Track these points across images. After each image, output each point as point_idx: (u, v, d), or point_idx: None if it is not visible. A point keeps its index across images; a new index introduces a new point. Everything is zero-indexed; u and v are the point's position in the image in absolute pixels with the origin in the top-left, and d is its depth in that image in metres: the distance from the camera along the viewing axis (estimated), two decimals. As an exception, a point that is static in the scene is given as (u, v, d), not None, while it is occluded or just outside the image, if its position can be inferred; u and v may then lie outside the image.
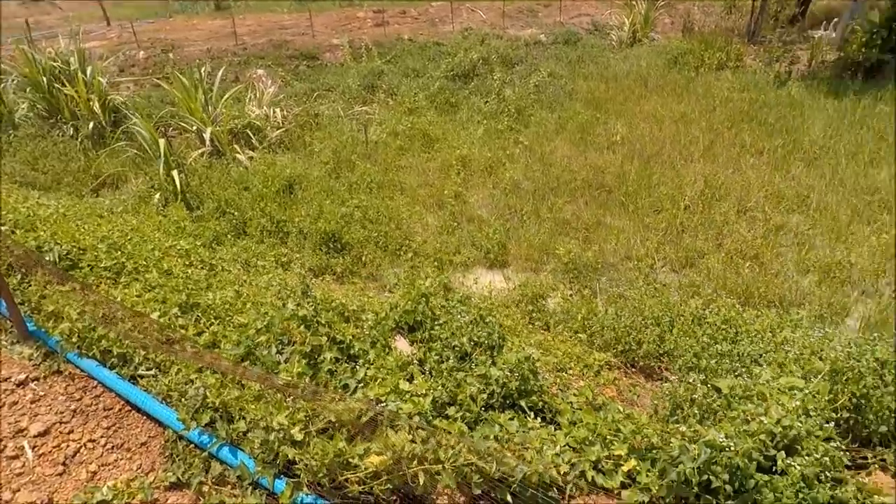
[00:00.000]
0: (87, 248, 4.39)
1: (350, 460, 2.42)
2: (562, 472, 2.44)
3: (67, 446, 2.79)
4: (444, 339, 3.35)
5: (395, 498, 2.40)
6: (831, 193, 7.29)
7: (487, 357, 3.25)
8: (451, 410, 2.76)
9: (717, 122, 9.21)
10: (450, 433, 2.58)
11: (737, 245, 6.38)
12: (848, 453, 2.61)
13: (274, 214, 7.12)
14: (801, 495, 2.26)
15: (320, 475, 2.37)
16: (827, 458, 2.37)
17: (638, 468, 2.59)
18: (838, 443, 2.53)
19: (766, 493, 2.30)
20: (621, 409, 3.09)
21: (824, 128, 8.78)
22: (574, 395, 3.26)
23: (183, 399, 2.91)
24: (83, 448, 2.80)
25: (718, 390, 2.79)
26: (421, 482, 2.30)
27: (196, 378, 3.02)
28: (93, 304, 3.58)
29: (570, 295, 5.77)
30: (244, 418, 2.73)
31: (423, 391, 2.85)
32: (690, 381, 2.97)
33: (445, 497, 2.40)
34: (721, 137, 8.79)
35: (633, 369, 4.49)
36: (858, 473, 2.85)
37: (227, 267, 5.61)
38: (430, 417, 2.65)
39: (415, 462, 2.36)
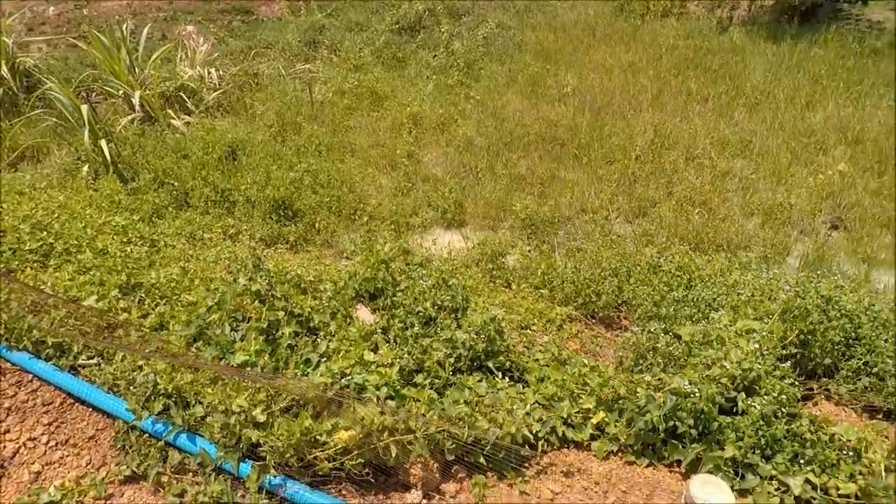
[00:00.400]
0: (7, 229, 4.00)
1: (318, 438, 2.34)
2: (534, 431, 2.45)
3: (4, 447, 2.58)
4: (407, 305, 3.27)
5: (367, 472, 2.35)
6: (771, 137, 7.50)
7: (452, 320, 3.20)
8: (419, 378, 2.70)
9: (664, 71, 9.25)
10: (419, 401, 2.54)
11: (686, 192, 6.52)
12: (799, 388, 2.75)
13: (218, 183, 6.71)
14: (760, 433, 2.35)
15: (287, 455, 2.28)
16: (783, 396, 2.47)
17: (606, 420, 2.64)
18: (792, 379, 2.64)
19: (728, 433, 2.39)
20: (586, 363, 3.13)
21: (764, 73, 8.97)
22: (540, 351, 3.27)
23: (132, 388, 2.72)
24: (22, 448, 2.59)
25: (679, 337, 2.85)
26: (393, 454, 2.26)
27: (144, 364, 2.83)
28: (18, 291, 3.28)
29: (529, 251, 5.78)
30: (201, 403, 2.59)
31: (389, 360, 2.77)
32: (652, 330, 3.02)
33: (419, 466, 2.37)
34: (668, 86, 8.85)
35: (594, 321, 4.57)
36: (805, 405, 3.02)
37: (170, 242, 5.28)
38: (398, 387, 2.59)
39: (385, 434, 2.31)
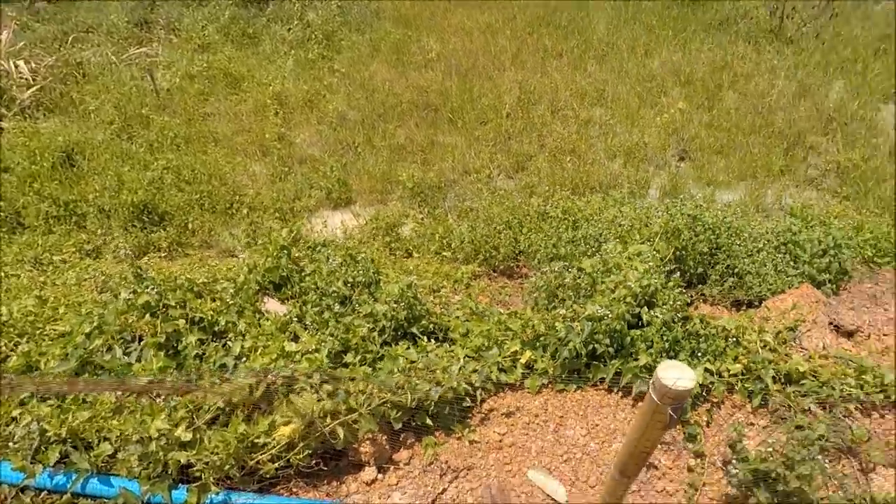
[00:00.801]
0: None
1: (256, 441, 2.20)
2: (471, 382, 2.52)
3: None
4: (319, 289, 3.14)
5: (315, 462, 2.27)
6: (621, 85, 8.21)
7: (367, 296, 3.14)
8: (348, 357, 2.63)
9: (520, 30, 9.64)
10: (354, 380, 2.48)
11: (556, 143, 6.94)
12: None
13: (57, 195, 5.81)
14: (664, 338, 2.65)
15: (227, 467, 2.12)
16: (677, 303, 2.80)
17: (533, 357, 2.80)
18: (681, 289, 3.00)
19: (639, 344, 2.66)
20: (503, 311, 3.27)
21: (607, 26, 9.72)
22: (457, 309, 3.35)
23: (11, 443, 2.33)
24: None
25: (582, 270, 3.08)
26: (341, 436, 2.20)
27: (21, 413, 2.43)
28: None
29: (422, 219, 5.82)
30: (107, 439, 2.29)
31: (314, 346, 2.66)
32: (556, 269, 3.23)
33: (368, 442, 2.33)
34: (525, 44, 9.25)
35: (497, 274, 4.76)
36: (689, 309, 3.45)
37: (11, 272, 4.52)
38: (330, 370, 2.50)
39: (329, 419, 2.23)
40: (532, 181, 6.23)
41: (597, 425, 2.58)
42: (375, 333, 2.83)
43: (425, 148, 7.07)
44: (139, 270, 3.12)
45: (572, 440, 2.53)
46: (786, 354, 2.86)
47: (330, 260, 3.30)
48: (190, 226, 5.75)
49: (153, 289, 2.92)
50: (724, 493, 2.37)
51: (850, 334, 3.27)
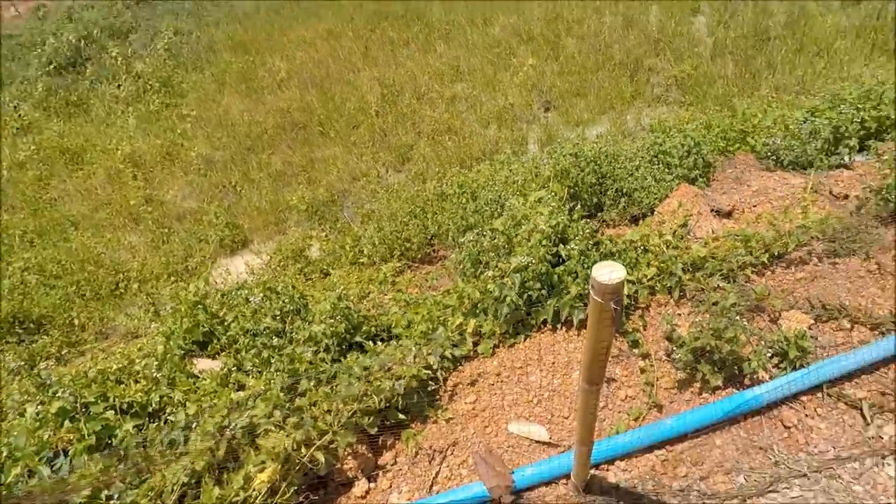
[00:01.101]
0: None
1: (235, 500, 2.08)
2: (430, 365, 2.56)
3: None
4: (249, 331, 3.00)
5: (304, 496, 2.19)
6: (472, 57, 8.53)
7: (301, 321, 3.06)
8: (303, 385, 2.55)
9: (361, 28, 9.65)
10: (315, 405, 2.42)
11: (431, 126, 7.10)
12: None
13: None
14: (585, 266, 2.85)
15: (212, 538, 1.99)
16: (586, 233, 3.02)
17: (478, 324, 2.89)
18: (585, 220, 3.23)
19: (565, 277, 2.84)
20: (435, 294, 3.33)
21: (442, 5, 9.99)
22: (393, 305, 3.36)
23: None
24: None
25: (495, 230, 3.21)
26: (322, 461, 2.15)
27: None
28: None
29: (326, 235, 5.71)
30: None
31: (263, 387, 2.56)
32: (472, 237, 3.33)
33: (350, 458, 2.30)
34: (371, 41, 9.29)
35: (416, 264, 4.81)
36: (596, 235, 3.72)
37: None
38: (287, 403, 2.42)
39: (303, 449, 2.17)
40: (420, 168, 6.33)
41: (553, 363, 2.73)
42: (322, 354, 2.78)
43: (306, 167, 6.93)
44: (40, 378, 2.79)
45: (537, 384, 2.66)
46: (686, 247, 3.19)
47: (251, 300, 3.16)
48: (76, 321, 5.21)
49: (65, 391, 2.63)
50: (675, 379, 2.62)
51: (728, 214, 3.72)
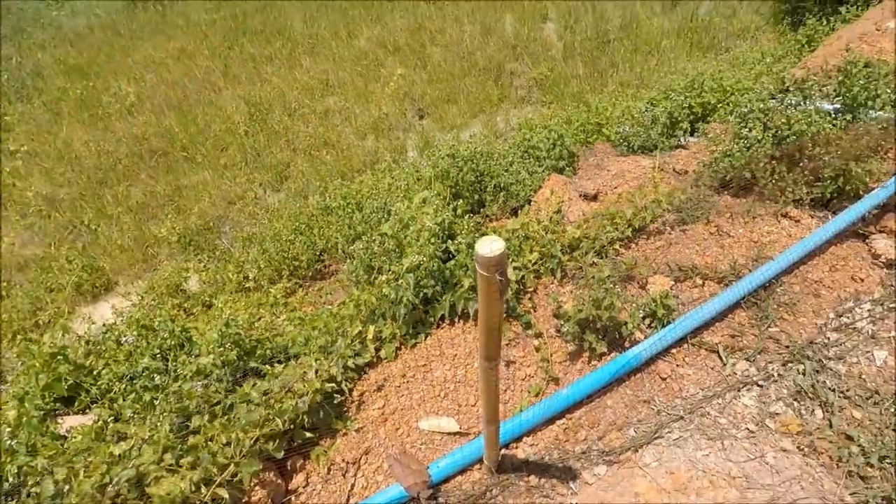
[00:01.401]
0: None
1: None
2: (334, 377, 2.50)
3: None
4: (125, 376, 2.71)
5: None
6: (340, 71, 8.50)
7: (186, 356, 2.82)
8: (195, 421, 2.36)
9: (218, 46, 9.18)
10: (212, 441, 2.25)
11: (307, 142, 6.95)
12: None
13: None
14: (473, 258, 2.95)
15: None
16: (472, 226, 3.14)
17: (378, 329, 2.88)
18: (469, 215, 3.36)
19: (457, 272, 2.93)
20: (331, 307, 3.26)
21: (303, 20, 9.84)
22: (287, 325, 3.23)
23: None
24: None
25: (384, 235, 3.22)
26: (226, 497, 1.99)
27: None
28: None
29: (205, 265, 5.34)
30: None
31: (147, 434, 2.32)
32: (362, 246, 3.32)
33: (258, 486, 2.16)
34: (230, 59, 8.87)
35: (308, 281, 4.67)
36: (480, 230, 3.88)
37: None
38: (179, 444, 2.22)
39: (204, 489, 2.00)
40: (300, 185, 6.16)
41: (455, 356, 2.80)
42: (215, 385, 2.58)
43: (172, 195, 6.43)
44: None
45: (441, 379, 2.70)
46: (562, 231, 3.44)
47: (123, 341, 2.86)
48: None
49: None
50: (567, 352, 2.81)
51: (594, 197, 4.07)
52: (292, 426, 2.32)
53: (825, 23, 6.96)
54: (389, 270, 2.95)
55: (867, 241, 3.25)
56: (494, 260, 1.27)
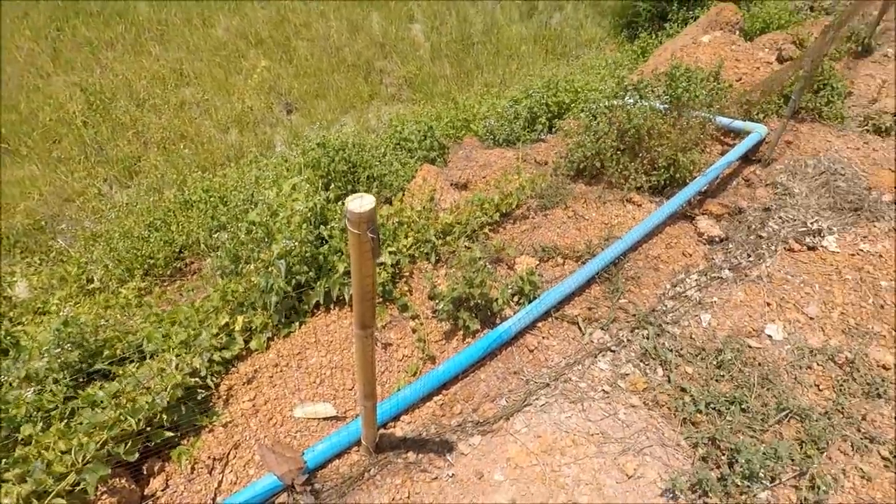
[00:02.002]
0: None
1: None
2: (198, 370, 2.31)
3: None
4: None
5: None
6: (196, 61, 7.88)
7: (12, 362, 2.42)
8: (25, 430, 2.03)
9: (43, 27, 8.01)
10: (47, 449, 1.95)
11: (160, 134, 6.34)
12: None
13: None
14: (347, 242, 2.92)
15: None
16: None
17: (247, 319, 2.72)
18: (342, 203, 3.30)
19: (331, 257, 2.87)
20: (194, 302, 3.01)
21: (150, 3, 8.95)
22: (142, 323, 2.91)
23: None
24: None
25: (252, 223, 3.05)
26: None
27: None
28: None
29: (35, 268, 4.63)
30: None
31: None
32: (227, 235, 3.11)
33: (106, 494, 1.92)
34: (61, 42, 7.80)
35: (167, 280, 4.26)
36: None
37: None
38: (4, 458, 1.90)
39: (36, 502, 1.73)
40: (153, 180, 5.60)
41: (331, 342, 2.74)
42: (53, 388, 2.25)
43: (-10, 192, 5.48)
44: None
45: (317, 365, 2.63)
46: (436, 217, 3.54)
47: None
48: None
49: None
50: (442, 331, 2.89)
51: (464, 186, 4.24)
52: (149, 426, 2.10)
53: (654, 37, 7.98)
54: (259, 259, 2.80)
55: (693, 221, 3.78)
56: (365, 216, 1.27)
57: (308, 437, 2.33)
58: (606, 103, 4.19)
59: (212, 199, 4.43)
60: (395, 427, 2.43)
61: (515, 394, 2.65)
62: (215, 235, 3.46)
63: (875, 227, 3.63)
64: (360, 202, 1.27)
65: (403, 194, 4.18)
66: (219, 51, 8.04)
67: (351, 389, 2.55)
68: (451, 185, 4.17)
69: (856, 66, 5.98)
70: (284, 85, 7.51)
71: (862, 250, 3.47)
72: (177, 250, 4.32)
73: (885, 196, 3.92)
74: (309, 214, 2.88)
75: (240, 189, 4.27)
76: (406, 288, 3.08)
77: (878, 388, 2.67)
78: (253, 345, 2.67)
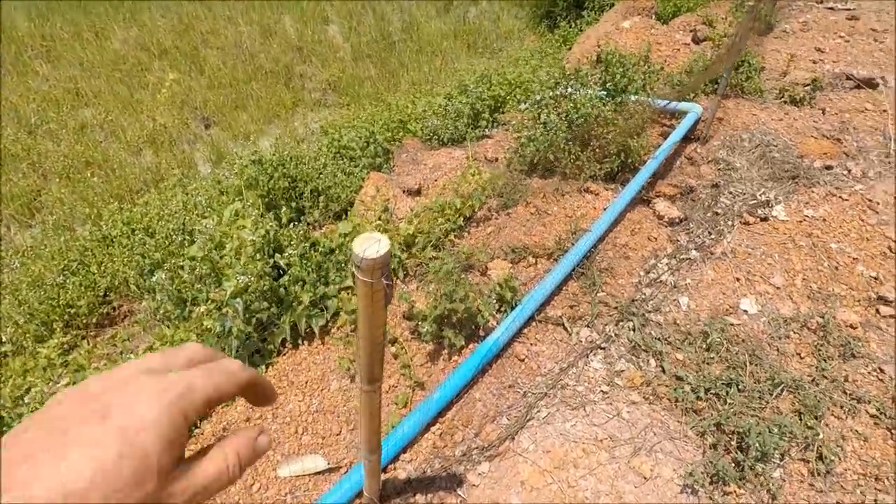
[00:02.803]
0: None
1: None
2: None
3: None
4: None
5: None
6: (93, 78, 7.10)
7: None
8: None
9: None
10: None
11: (61, 163, 5.63)
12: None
13: None
14: (308, 270, 2.64)
15: None
16: (300, 235, 2.80)
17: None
18: (293, 223, 3.01)
19: (292, 288, 2.57)
20: (136, 357, 2.60)
21: (29, 17, 7.97)
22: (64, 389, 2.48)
23: None
24: None
25: (194, 259, 2.69)
26: None
27: None
28: None
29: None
30: None
31: None
32: (165, 276, 2.72)
33: None
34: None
35: (94, 330, 3.74)
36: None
37: None
38: None
39: None
40: (60, 216, 4.95)
41: (306, 382, 2.46)
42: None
43: None
44: None
45: (295, 412, 2.34)
46: (395, 228, 3.31)
47: None
48: None
49: None
50: (427, 353, 2.68)
51: (417, 192, 4.03)
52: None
53: (573, 25, 8.11)
54: (209, 300, 2.46)
55: (650, 205, 3.80)
56: (380, 261, 1.04)
57: (300, 497, 2.05)
58: (551, 94, 4.12)
59: (135, 232, 3.94)
60: (395, 469, 2.20)
61: (515, 409, 2.50)
62: (150, 276, 3.03)
63: (814, 192, 3.81)
64: (374, 246, 1.03)
65: (353, 207, 3.91)
66: (118, 65, 7.29)
67: (339, 434, 2.28)
68: (404, 191, 3.95)
69: (762, 42, 6.33)
70: (198, 98, 6.92)
71: (808, 216, 3.61)
72: (101, 294, 3.80)
73: (816, 162, 4.13)
74: (261, 243, 2.56)
75: (168, 218, 3.82)
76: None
77: (851, 349, 2.76)
78: (217, 399, 2.33)
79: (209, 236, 2.74)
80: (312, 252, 2.78)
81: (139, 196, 4.97)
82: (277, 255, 2.66)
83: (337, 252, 2.89)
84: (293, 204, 3.82)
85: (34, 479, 0.34)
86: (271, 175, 3.73)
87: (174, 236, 3.46)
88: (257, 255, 2.51)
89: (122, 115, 6.44)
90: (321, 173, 4.14)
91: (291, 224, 3.01)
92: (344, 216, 3.95)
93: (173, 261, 2.97)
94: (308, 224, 3.86)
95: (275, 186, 3.72)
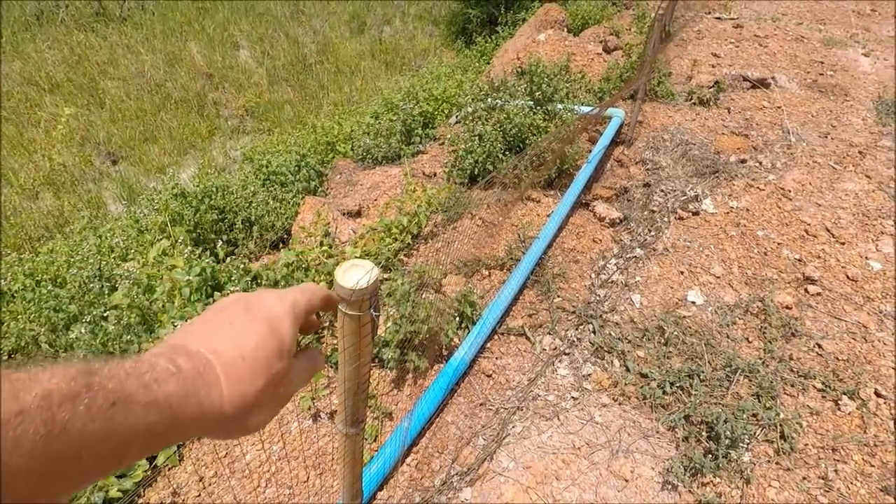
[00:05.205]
0: None
1: None
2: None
3: None
4: None
5: None
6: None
7: None
8: None
9: None
10: None
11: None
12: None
13: None
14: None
15: None
16: (239, 270, 2.58)
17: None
18: (232, 255, 2.77)
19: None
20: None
21: None
22: None
23: None
24: None
25: (118, 307, 2.39)
26: None
27: None
28: None
29: None
30: None
31: None
32: (85, 330, 2.40)
33: None
34: None
35: None
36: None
37: None
38: None
39: None
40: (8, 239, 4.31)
41: (267, 428, 2.24)
42: None
43: None
44: None
45: (255, 464, 2.10)
46: (341, 253, 3.14)
47: None
48: None
49: None
50: (391, 380, 2.54)
51: (358, 213, 3.89)
52: None
53: (489, 41, 8.31)
54: (141, 352, 2.18)
55: (590, 207, 3.88)
56: (368, 291, 0.91)
57: (274, 561, 1.84)
58: (483, 105, 4.15)
59: (41, 284, 3.49)
60: (374, 511, 2.03)
61: (489, 428, 2.41)
62: (65, 331, 2.67)
63: (734, 184, 4.06)
64: (360, 274, 0.89)
65: (290, 235, 3.70)
66: (1, 102, 6.56)
67: (307, 482, 2.08)
68: (343, 214, 3.79)
69: (664, 49, 6.78)
70: (101, 132, 6.37)
71: (733, 207, 3.84)
72: (4, 357, 3.31)
73: (731, 157, 4.42)
74: (198, 283, 2.32)
75: (80, 265, 3.41)
76: (333, 339, 2.66)
77: (791, 328, 2.92)
78: (159, 460, 2.06)
79: (134, 280, 2.46)
80: (254, 285, 2.57)
81: (41, 244, 4.45)
82: (217, 293, 2.42)
83: (282, 284, 2.69)
84: (224, 237, 3.54)
85: (215, 338, 0.48)
86: (197, 208, 3.45)
87: (90, 284, 3.08)
88: (194, 295, 2.27)
89: (13, 156, 5.79)
90: (251, 202, 3.89)
91: (228, 259, 2.77)
92: (281, 245, 3.73)
93: (94, 311, 2.62)
94: (244, 256, 3.59)
95: (202, 220, 3.44)
